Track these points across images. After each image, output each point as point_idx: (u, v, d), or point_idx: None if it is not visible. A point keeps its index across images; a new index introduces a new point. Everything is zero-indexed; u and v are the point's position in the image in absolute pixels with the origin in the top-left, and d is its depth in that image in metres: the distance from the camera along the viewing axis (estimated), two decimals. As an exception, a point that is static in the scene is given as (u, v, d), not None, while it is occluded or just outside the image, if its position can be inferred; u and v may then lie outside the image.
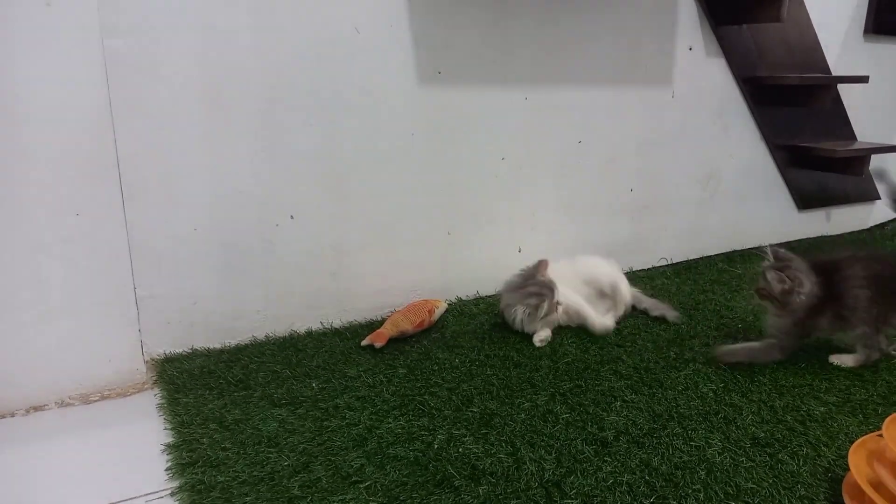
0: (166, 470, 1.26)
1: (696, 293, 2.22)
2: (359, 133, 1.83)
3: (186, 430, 1.37)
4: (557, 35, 2.05)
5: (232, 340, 1.79)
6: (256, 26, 1.64)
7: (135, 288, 1.61)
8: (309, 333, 1.87)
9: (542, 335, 1.82)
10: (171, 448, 1.32)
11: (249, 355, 1.72)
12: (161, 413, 1.48)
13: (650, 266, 2.50)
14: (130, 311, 1.62)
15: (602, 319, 1.88)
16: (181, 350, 1.73)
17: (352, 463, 1.25)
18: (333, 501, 1.14)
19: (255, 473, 1.22)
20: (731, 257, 2.61)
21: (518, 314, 1.83)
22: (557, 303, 1.83)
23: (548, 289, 1.83)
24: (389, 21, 1.79)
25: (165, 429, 1.40)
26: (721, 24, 2.31)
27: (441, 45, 1.88)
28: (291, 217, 1.79)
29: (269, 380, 1.59)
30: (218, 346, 1.78)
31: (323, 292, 1.89)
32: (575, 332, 1.90)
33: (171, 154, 1.62)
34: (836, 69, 2.66)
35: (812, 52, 2.58)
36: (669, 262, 2.53)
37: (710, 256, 2.61)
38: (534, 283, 1.85)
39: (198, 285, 1.72)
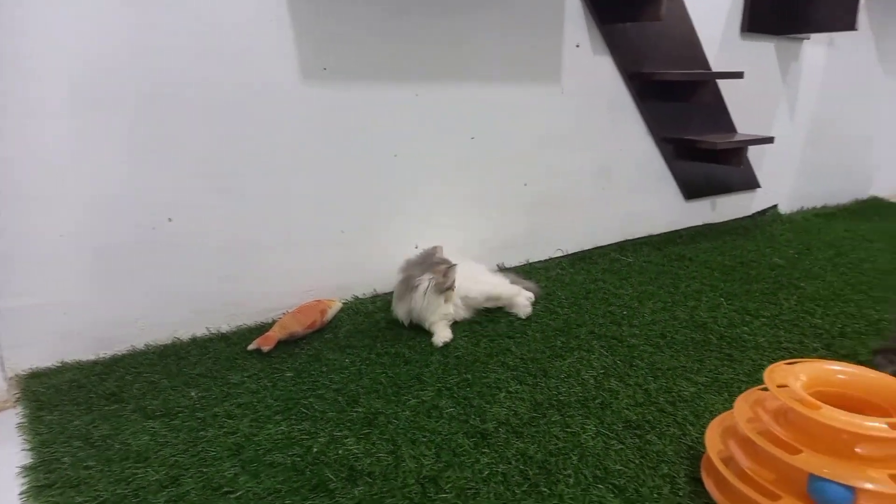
0: (20, 494, 1.18)
1: (588, 282, 2.30)
2: (243, 131, 1.78)
3: (47, 449, 1.29)
4: (445, 32, 2.06)
5: (108, 351, 1.70)
6: (131, 20, 1.56)
7: (-9, 300, 1.51)
8: (193, 340, 1.81)
9: (443, 335, 1.81)
10: (28, 470, 1.23)
11: (126, 366, 1.64)
12: (21, 433, 1.38)
13: (547, 257, 2.56)
14: (-13, 325, 1.51)
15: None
16: (50, 364, 1.63)
17: (225, 473, 1.22)
18: (201, 514, 1.11)
19: (118, 491, 1.17)
20: (623, 247, 2.71)
21: (425, 282, 1.84)
22: (451, 287, 1.86)
23: (451, 263, 1.86)
24: (270, 16, 1.74)
25: (24, 450, 1.31)
26: (606, 22, 2.39)
27: (326, 41, 1.85)
28: (169, 220, 1.72)
29: (145, 391, 1.52)
30: (92, 357, 1.68)
31: (209, 297, 1.83)
32: (468, 325, 1.92)
33: (34, 155, 1.52)
34: (716, 65, 2.80)
35: (692, 49, 2.70)
36: (565, 254, 2.60)
37: (604, 247, 2.70)
38: (438, 259, 1.88)
39: (68, 294, 1.62)
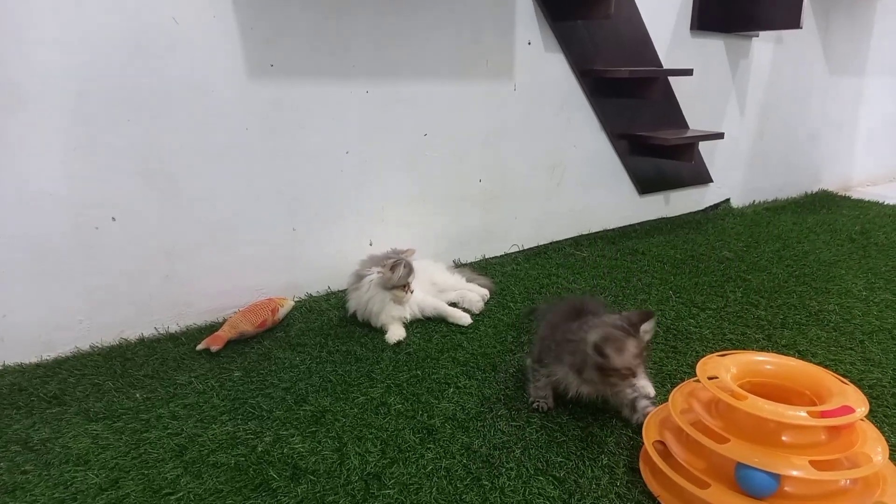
0: (-47, 501, 1.16)
1: (542, 277, 2.33)
2: (186, 129, 1.75)
3: (-17, 455, 1.27)
4: (395, 28, 2.06)
5: (51, 353, 1.67)
6: (58, 16, 1.53)
7: (-76, 304, 1.47)
8: (141, 341, 1.78)
9: (397, 333, 1.81)
10: (-39, 477, 1.21)
11: (70, 368, 1.61)
12: (-43, 439, 1.35)
13: (502, 253, 2.58)
14: (-79, 329, 1.47)
15: (462, 313, 1.96)
16: (-11, 368, 1.60)
17: (166, 475, 1.21)
18: (140, 517, 1.10)
19: (56, 495, 1.15)
20: (578, 241, 2.75)
21: (372, 275, 1.85)
22: (409, 287, 1.87)
23: (407, 263, 1.86)
24: (212, 11, 1.72)
25: (-41, 456, 1.29)
26: (557, 20, 2.41)
27: (272, 36, 1.83)
28: (113, 219, 1.69)
29: (89, 393, 1.50)
30: (34, 360, 1.65)
31: (155, 297, 1.81)
32: (422, 322, 1.93)
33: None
34: (667, 62, 2.86)
35: (643, 47, 2.75)
36: (521, 249, 2.63)
37: (559, 241, 2.74)
38: (396, 257, 1.88)
39: (5, 297, 1.59)
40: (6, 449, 1.29)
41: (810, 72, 3.58)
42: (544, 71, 2.46)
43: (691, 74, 2.70)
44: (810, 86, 3.61)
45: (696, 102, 3.04)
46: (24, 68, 1.51)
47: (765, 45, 3.27)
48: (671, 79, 2.89)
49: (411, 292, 1.89)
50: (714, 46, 3.05)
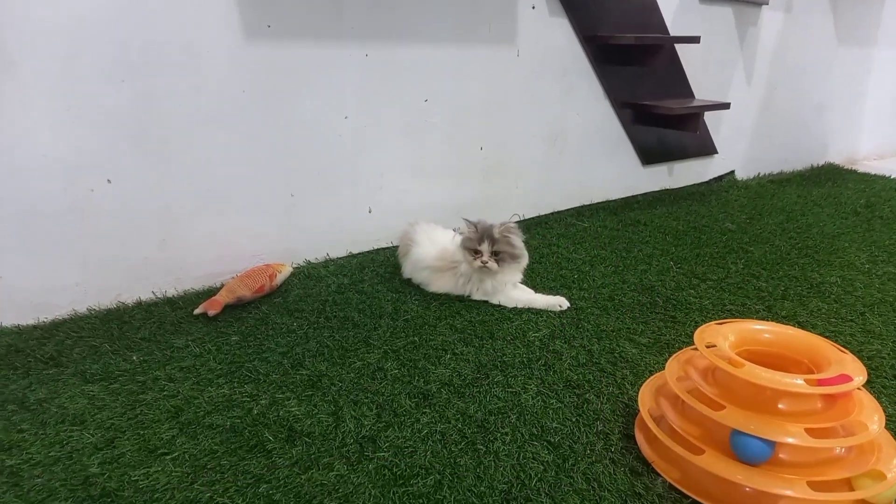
0: (-50, 459, 1.16)
1: (543, 247, 2.31)
2: (179, 91, 1.72)
3: (-21, 414, 1.27)
4: (396, -10, 2.01)
5: (48, 315, 1.67)
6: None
7: (-81, 264, 1.46)
8: (138, 304, 1.78)
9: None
10: (-42, 435, 1.22)
11: (67, 330, 1.61)
12: (-46, 398, 1.36)
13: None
14: (-84, 289, 1.46)
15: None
16: (-13, 329, 1.59)
17: (162, 435, 1.21)
18: (134, 476, 1.10)
19: (51, 454, 1.16)
20: (580, 212, 2.73)
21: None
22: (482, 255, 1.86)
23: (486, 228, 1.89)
24: (208, -31, 1.68)
25: (-45, 415, 1.29)
26: (562, -17, 2.36)
27: (270, -4, 1.79)
28: (108, 181, 1.67)
29: (85, 355, 1.50)
30: (31, 322, 1.65)
31: (151, 261, 1.79)
32: (419, 289, 1.92)
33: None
34: (674, 30, 2.79)
35: (650, 13, 2.69)
36: (522, 218, 2.60)
37: (561, 211, 2.72)
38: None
39: (1, 259, 1.58)
40: (3, 408, 1.29)
41: (819, 42, 3.51)
42: (548, 36, 2.41)
43: (698, 42, 2.64)
44: (819, 56, 3.54)
45: (702, 71, 2.98)
46: (12, 27, 1.48)
47: (774, 14, 3.19)
48: (677, 46, 2.83)
49: (482, 263, 1.79)
50: (722, 13, 2.98)
